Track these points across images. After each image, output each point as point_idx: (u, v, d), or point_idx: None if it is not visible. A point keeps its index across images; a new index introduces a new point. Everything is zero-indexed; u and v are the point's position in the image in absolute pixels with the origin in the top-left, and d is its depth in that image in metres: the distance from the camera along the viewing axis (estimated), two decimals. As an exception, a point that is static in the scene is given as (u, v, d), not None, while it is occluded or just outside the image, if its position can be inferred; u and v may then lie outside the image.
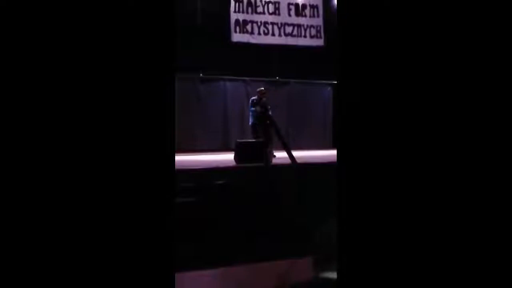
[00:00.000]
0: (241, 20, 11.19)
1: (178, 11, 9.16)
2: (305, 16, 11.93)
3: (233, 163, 7.34)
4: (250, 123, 8.33)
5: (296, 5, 11.83)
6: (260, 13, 11.39)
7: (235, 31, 11.12)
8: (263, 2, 11.43)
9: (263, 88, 8.38)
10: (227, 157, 8.20)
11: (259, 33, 11.37)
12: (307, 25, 11.93)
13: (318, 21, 12.03)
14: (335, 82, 10.97)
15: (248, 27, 11.26)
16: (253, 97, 8.31)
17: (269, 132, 7.54)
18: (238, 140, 7.95)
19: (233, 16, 11.10)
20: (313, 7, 12.01)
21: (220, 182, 6.48)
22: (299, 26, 11.84)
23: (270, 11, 11.50)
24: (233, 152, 7.62)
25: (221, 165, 7.21)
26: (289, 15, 11.73)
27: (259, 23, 11.39)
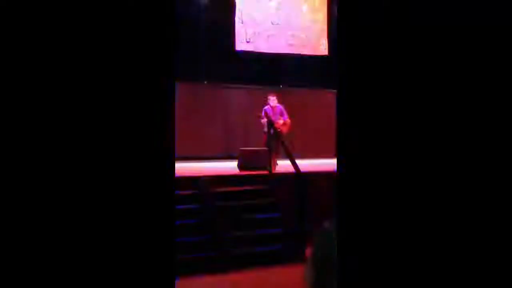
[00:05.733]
0: (245, 28, 11.23)
1: (178, 16, 9.23)
2: (309, 25, 11.96)
3: (236, 171, 7.35)
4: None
5: (301, 14, 11.86)
6: (264, 22, 11.43)
7: (240, 40, 11.16)
8: (268, 11, 11.47)
9: (270, 97, 8.33)
10: (230, 165, 8.20)
11: (263, 42, 11.40)
12: (311, 34, 11.95)
13: (323, 30, 12.06)
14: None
15: (253, 36, 11.29)
16: (266, 107, 8.24)
17: (273, 141, 7.54)
18: (241, 148, 7.96)
19: (238, 25, 11.14)
20: (317, 16, 12.04)
21: (223, 189, 6.50)
22: (303, 35, 11.86)
23: (274, 20, 11.54)
24: (236, 160, 7.62)
25: (224, 173, 7.22)
26: (293, 24, 11.76)
27: (263, 32, 11.42)
